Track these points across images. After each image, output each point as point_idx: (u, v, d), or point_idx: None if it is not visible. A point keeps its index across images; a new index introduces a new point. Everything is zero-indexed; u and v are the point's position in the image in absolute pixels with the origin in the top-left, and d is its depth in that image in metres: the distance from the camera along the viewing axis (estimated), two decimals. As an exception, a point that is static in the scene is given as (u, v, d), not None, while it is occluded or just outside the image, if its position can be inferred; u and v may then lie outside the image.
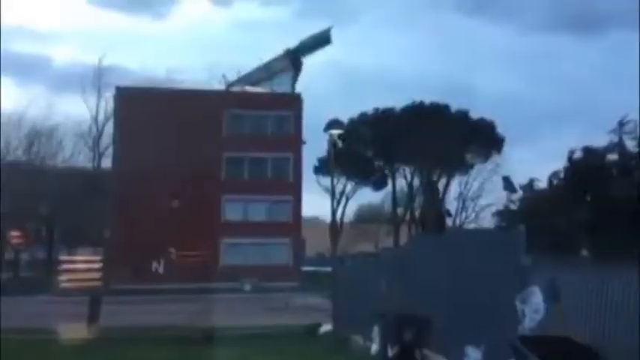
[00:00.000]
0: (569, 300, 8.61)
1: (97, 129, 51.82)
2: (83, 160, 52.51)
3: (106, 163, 51.05)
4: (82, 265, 37.56)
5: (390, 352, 9.71)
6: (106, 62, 64.77)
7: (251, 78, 50.06)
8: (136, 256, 40.55)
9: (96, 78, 50.85)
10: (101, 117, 52.14)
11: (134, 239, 40.59)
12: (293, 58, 50.21)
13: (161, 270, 42.30)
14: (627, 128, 25.27)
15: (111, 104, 50.33)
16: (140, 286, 37.36)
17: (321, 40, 51.33)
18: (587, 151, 26.54)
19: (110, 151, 50.23)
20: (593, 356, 6.06)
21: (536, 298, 7.18)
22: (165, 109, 43.20)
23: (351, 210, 60.39)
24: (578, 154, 26.28)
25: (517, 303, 7.32)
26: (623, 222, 21.16)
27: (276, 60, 50.50)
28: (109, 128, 51.10)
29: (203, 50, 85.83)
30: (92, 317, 18.49)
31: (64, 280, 36.37)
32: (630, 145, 25.68)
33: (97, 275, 35.88)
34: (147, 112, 42.71)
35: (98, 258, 40.04)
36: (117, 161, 45.48)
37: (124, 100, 45.44)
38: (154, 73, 52.44)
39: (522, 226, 9.83)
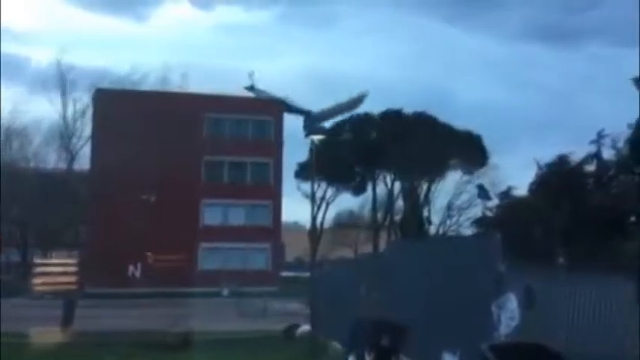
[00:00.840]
0: (545, 307, 8.74)
1: (67, 130, 51.09)
2: (54, 161, 51.69)
3: (78, 164, 50.50)
4: (56, 269, 36.97)
5: (368, 358, 9.73)
6: (85, 63, 64.05)
7: (264, 96, 49.64)
8: (113, 259, 40.07)
9: (68, 79, 50.11)
10: (71, 118, 51.40)
11: (111, 242, 40.13)
12: (308, 127, 49.64)
13: (138, 274, 41.84)
14: (606, 140, 25.73)
15: (83, 105, 49.79)
16: (116, 289, 36.91)
17: (351, 106, 51.26)
18: (564, 160, 26.96)
19: (81, 152, 49.73)
20: None
21: (512, 304, 7.28)
22: (145, 112, 42.88)
23: (330, 215, 60.42)
24: (554, 164, 26.69)
25: (493, 309, 7.40)
26: (597, 231, 21.52)
27: (296, 110, 50.23)
28: (82, 129, 50.55)
29: (185, 53, 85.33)
30: (66, 321, 18.26)
31: (38, 284, 35.77)
32: (608, 154, 26.13)
33: (71, 279, 35.35)
34: (126, 114, 42.34)
35: (73, 261, 39.47)
36: (94, 163, 44.98)
37: (104, 102, 45.01)
38: (134, 75, 51.71)
39: (498, 234, 9.96)
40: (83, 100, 50.40)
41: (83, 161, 49.83)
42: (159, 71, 52.87)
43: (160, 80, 51.09)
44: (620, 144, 24.81)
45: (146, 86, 49.51)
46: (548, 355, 6.16)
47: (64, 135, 51.16)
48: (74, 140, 51.45)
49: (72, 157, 51.25)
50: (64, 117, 51.09)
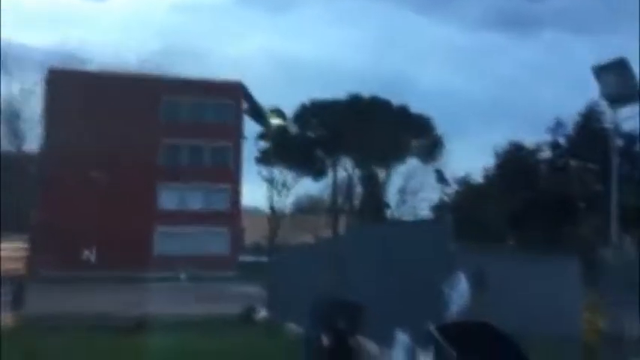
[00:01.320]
0: (495, 287, 8.99)
1: (15, 110, 49.40)
2: (2, 142, 49.91)
3: (27, 146, 49.01)
4: (5, 253, 35.97)
5: (325, 340, 9.80)
6: (35, 42, 61.87)
7: None
8: (66, 243, 39.22)
9: (16, 58, 48.40)
10: (20, 98, 49.68)
11: (64, 226, 39.23)
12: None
13: (93, 258, 41.09)
14: (562, 129, 26.53)
15: (31, 85, 48.23)
16: (70, 273, 36.19)
17: None
18: (518, 147, 27.71)
19: (31, 133, 48.31)
20: (508, 341, 6.31)
21: (462, 284, 7.44)
22: (99, 93, 41.88)
23: (291, 200, 60.44)
24: (509, 150, 27.40)
25: (444, 289, 7.56)
26: (548, 215, 22.25)
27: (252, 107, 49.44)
28: (31, 110, 49.01)
29: (141, 33, 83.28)
30: (16, 305, 17.86)
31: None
32: (560, 141, 26.95)
33: (21, 262, 34.48)
34: (79, 95, 41.25)
35: (23, 245, 38.45)
36: (46, 145, 43.76)
37: (56, 83, 43.70)
38: (88, 55, 50.40)
39: (450, 216, 10.18)
40: (32, 79, 48.81)
41: (32, 143, 48.41)
42: (115, 52, 51.67)
43: (115, 61, 49.94)
44: (571, 131, 25.64)
45: (101, 67, 48.25)
46: (495, 334, 6.31)
47: (12, 115, 49.48)
48: (23, 121, 49.89)
49: (21, 139, 49.72)
50: (12, 97, 49.41)
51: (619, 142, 20.01)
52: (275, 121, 46.52)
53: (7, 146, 49.73)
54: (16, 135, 49.71)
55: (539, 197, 22.66)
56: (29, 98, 49.13)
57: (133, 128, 42.09)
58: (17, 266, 31.33)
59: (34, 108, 48.65)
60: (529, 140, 27.19)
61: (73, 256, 39.81)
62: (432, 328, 6.45)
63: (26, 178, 43.47)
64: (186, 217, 43.79)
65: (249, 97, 48.35)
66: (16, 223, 44.76)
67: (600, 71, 15.38)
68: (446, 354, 5.95)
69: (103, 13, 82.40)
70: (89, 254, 41.13)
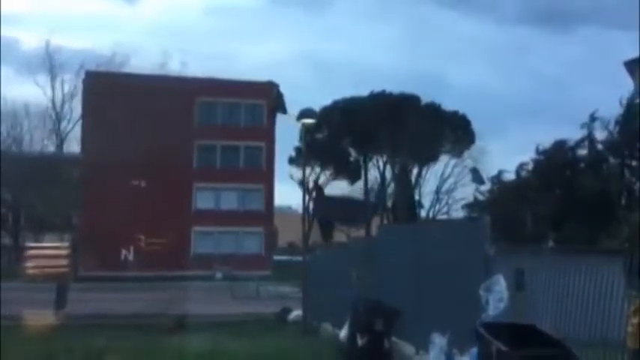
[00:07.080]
0: (533, 289, 8.81)
1: (56, 112, 50.87)
2: (44, 144, 51.39)
3: (68, 147, 50.41)
4: (49, 252, 36.97)
5: (360, 341, 9.79)
6: (74, 45, 63.44)
7: None
8: (106, 243, 40.09)
9: (56, 61, 49.77)
10: (61, 100, 51.09)
11: (103, 226, 40.10)
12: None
13: (131, 257, 41.91)
14: (597, 123, 25.82)
15: (72, 88, 49.53)
16: (109, 273, 36.98)
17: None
18: (556, 144, 27.09)
19: (71, 135, 49.64)
20: (560, 346, 6.17)
21: (500, 286, 7.32)
22: (136, 95, 42.64)
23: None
24: (547, 148, 26.82)
25: (481, 292, 7.44)
26: (588, 213, 21.74)
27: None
28: (71, 112, 50.37)
29: (175, 36, 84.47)
30: (59, 304, 18.33)
31: (30, 267, 35.77)
32: (599, 137, 26.25)
33: (64, 262, 35.38)
34: (117, 97, 42.10)
35: (65, 245, 39.45)
36: (85, 147, 44.80)
37: (94, 85, 44.70)
38: (124, 58, 51.30)
39: (487, 216, 10.01)
40: (72, 82, 50.13)
41: (73, 144, 49.72)
42: (149, 54, 52.58)
43: (150, 63, 50.87)
44: (611, 127, 24.94)
45: (136, 69, 49.15)
46: (543, 337, 6.18)
47: (54, 118, 50.93)
48: (64, 123, 51.28)
49: (62, 140, 51.12)
50: (53, 99, 50.84)
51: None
52: (306, 121, 46.42)
53: (48, 147, 51.24)
54: (58, 137, 51.14)
55: (579, 196, 22.16)
56: (70, 101, 50.54)
57: (169, 130, 42.76)
58: (60, 266, 32.15)
59: (74, 110, 50.03)
60: (568, 137, 26.62)
61: (112, 257, 40.66)
62: (478, 325, 6.40)
63: (68, 179, 44.59)
64: (222, 217, 44.29)
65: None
66: (59, 223, 46.03)
67: (633, 66, 14.81)
68: (491, 350, 5.88)
69: (136, 16, 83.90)
70: (127, 254, 41.97)
